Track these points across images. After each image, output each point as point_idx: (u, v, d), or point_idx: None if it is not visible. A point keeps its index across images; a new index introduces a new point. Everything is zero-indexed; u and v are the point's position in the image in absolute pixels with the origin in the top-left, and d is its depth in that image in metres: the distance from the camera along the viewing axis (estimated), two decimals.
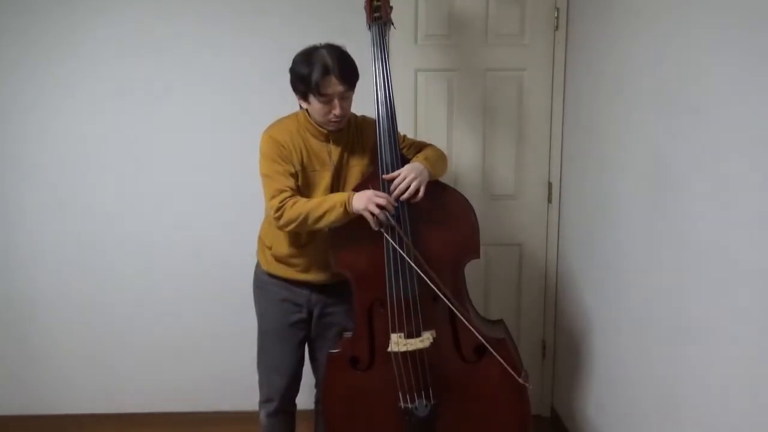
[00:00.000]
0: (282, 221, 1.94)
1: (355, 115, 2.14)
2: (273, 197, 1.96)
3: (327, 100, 1.93)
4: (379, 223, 1.89)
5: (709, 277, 1.61)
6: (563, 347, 2.83)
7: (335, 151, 2.06)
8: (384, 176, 1.96)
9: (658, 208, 1.88)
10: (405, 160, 2.00)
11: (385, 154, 1.97)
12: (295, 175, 2.00)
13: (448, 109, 2.75)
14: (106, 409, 2.96)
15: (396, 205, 1.93)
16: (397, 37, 2.67)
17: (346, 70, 1.92)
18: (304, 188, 2.05)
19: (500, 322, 2.30)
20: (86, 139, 2.76)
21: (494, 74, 2.73)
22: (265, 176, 2.01)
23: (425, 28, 2.70)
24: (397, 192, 1.93)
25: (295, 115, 2.10)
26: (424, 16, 2.70)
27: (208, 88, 2.73)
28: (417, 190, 1.93)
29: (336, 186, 2.07)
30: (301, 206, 1.92)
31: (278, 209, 1.93)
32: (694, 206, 1.67)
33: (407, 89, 2.71)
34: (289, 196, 1.95)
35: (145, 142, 2.77)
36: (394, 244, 1.92)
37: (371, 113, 2.06)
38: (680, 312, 1.76)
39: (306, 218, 1.91)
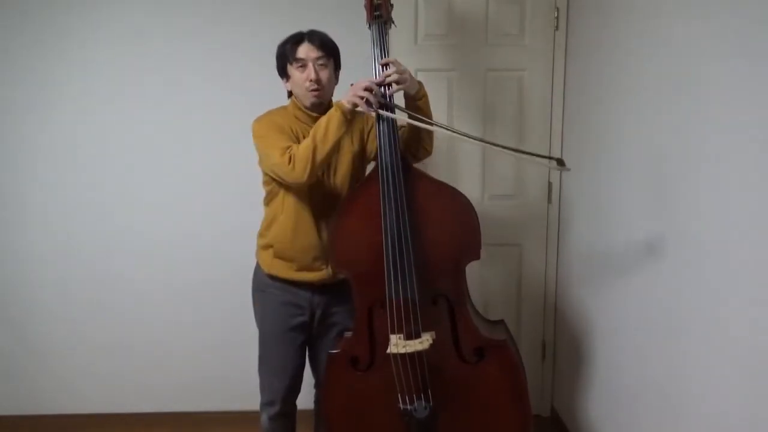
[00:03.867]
0: (297, 167, 1.90)
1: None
2: (281, 155, 1.92)
3: (302, 65, 2.00)
4: (370, 103, 1.90)
5: (709, 277, 1.61)
6: (563, 347, 2.83)
7: None
8: (381, 60, 1.99)
9: (658, 208, 1.87)
10: (405, 161, 2.00)
11: (385, 155, 1.96)
12: (292, 139, 2.01)
13: (448, 109, 2.75)
14: (106, 409, 2.96)
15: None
16: (397, 37, 2.67)
17: (319, 36, 2.02)
18: None
19: (501, 322, 2.30)
20: (86, 140, 2.76)
21: (494, 74, 2.73)
22: (269, 147, 1.97)
23: (425, 28, 2.70)
24: (384, 77, 1.96)
25: (284, 107, 2.12)
26: (424, 16, 2.70)
27: (208, 88, 2.73)
28: (397, 81, 1.95)
29: (328, 174, 2.08)
30: (304, 142, 1.92)
31: (289, 160, 1.91)
32: (694, 206, 1.67)
33: None
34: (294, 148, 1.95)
35: (145, 144, 2.77)
36: (390, 115, 1.93)
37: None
38: (680, 312, 1.76)
39: (315, 146, 1.89)
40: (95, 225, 2.82)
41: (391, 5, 2.08)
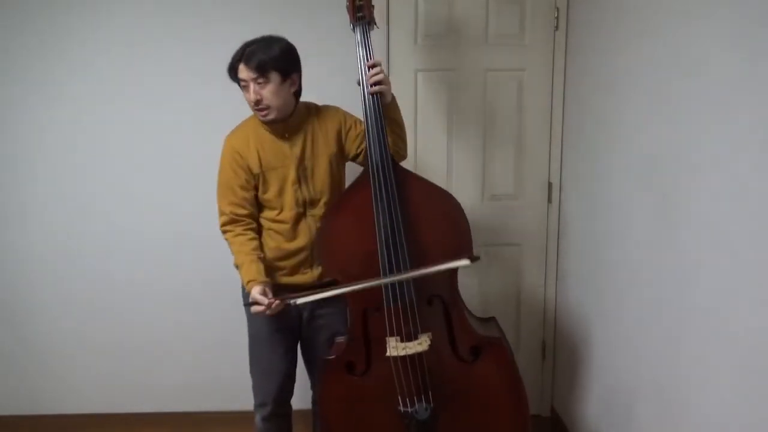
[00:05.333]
0: (224, 236, 2.13)
1: (316, 105, 2.16)
2: (220, 215, 2.13)
3: (243, 86, 1.98)
4: (269, 305, 1.93)
5: (709, 277, 1.60)
6: (563, 347, 2.83)
7: (295, 145, 2.08)
8: (368, 62, 1.99)
9: (658, 208, 1.87)
10: (394, 161, 2.00)
11: (374, 155, 1.96)
12: (245, 187, 2.08)
13: (448, 109, 2.75)
14: (106, 409, 2.96)
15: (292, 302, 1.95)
16: (397, 37, 2.67)
17: (253, 55, 1.94)
18: (266, 187, 2.09)
19: (492, 319, 2.29)
20: (86, 140, 2.76)
21: (494, 74, 2.73)
22: (218, 185, 2.14)
23: (425, 28, 2.70)
24: (370, 76, 1.97)
25: (253, 116, 2.11)
26: (424, 16, 2.69)
27: (208, 88, 2.72)
28: (380, 82, 1.97)
29: (303, 178, 2.09)
30: (234, 246, 2.09)
31: (223, 231, 2.13)
32: (694, 206, 1.67)
33: (407, 89, 2.70)
34: (230, 222, 2.10)
35: (145, 144, 2.77)
36: (304, 300, 1.95)
37: (359, 114, 2.07)
38: (680, 312, 1.76)
39: (234, 264, 2.10)
40: (95, 225, 2.82)
41: (372, 6, 2.07)
